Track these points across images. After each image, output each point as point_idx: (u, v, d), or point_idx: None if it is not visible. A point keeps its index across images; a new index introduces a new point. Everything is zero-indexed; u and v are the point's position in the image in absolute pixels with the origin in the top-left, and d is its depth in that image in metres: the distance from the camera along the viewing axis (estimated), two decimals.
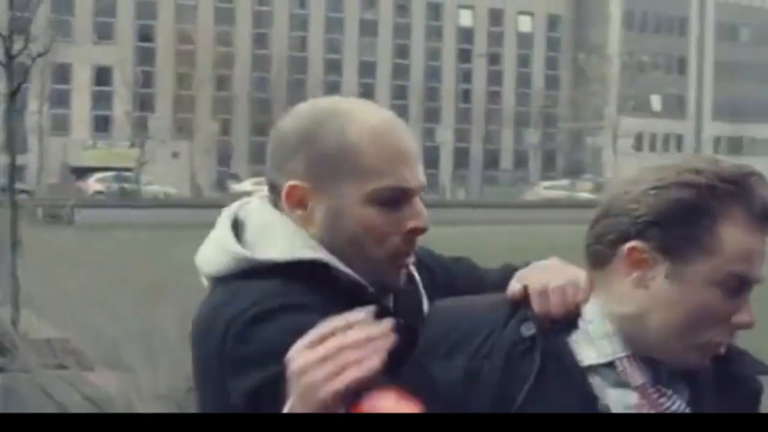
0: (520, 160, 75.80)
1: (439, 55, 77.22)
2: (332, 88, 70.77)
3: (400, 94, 73.51)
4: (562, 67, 78.33)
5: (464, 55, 76.93)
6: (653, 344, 1.29)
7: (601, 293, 1.31)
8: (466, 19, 78.11)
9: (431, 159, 73.11)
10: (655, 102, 79.49)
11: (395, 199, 1.37)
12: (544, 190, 54.24)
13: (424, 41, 76.78)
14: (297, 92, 63.19)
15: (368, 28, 75.09)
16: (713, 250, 1.25)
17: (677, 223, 1.27)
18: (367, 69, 74.43)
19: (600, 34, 77.70)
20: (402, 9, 76.39)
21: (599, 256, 1.31)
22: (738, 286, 1.27)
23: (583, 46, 74.57)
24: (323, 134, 1.36)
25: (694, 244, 1.26)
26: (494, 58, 76.69)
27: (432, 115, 73.91)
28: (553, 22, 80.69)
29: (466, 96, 75.99)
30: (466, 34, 77.92)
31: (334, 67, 72.74)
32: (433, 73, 76.02)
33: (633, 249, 1.27)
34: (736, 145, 77.41)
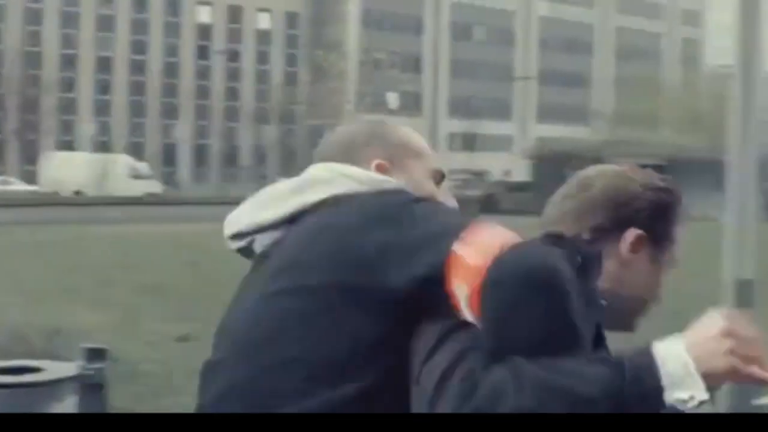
0: (260, 157, 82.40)
1: (177, 51, 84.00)
2: (68, 85, 79.10)
3: (137, 90, 79.79)
4: (301, 64, 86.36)
5: (203, 52, 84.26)
6: (621, 309, 1.79)
7: None
8: (204, 15, 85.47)
9: (169, 156, 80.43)
10: (392, 99, 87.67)
11: (439, 179, 1.98)
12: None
13: (162, 37, 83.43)
14: (31, 88, 71.21)
15: (105, 24, 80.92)
16: (674, 241, 1.86)
17: (665, 220, 1.85)
18: (103, 65, 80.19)
19: (338, 31, 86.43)
20: (140, 4, 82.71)
21: (589, 237, 1.81)
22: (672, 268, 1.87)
23: (322, 43, 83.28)
24: (388, 131, 1.99)
25: (669, 236, 1.86)
26: (233, 55, 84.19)
27: (170, 112, 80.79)
28: (291, 19, 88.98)
29: (204, 92, 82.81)
30: (204, 31, 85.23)
31: (69, 62, 78.15)
32: (171, 70, 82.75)
33: (639, 237, 1.81)
34: (469, 142, 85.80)
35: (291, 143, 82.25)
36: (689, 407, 1.54)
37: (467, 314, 1.55)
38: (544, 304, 1.49)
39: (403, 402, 1.64)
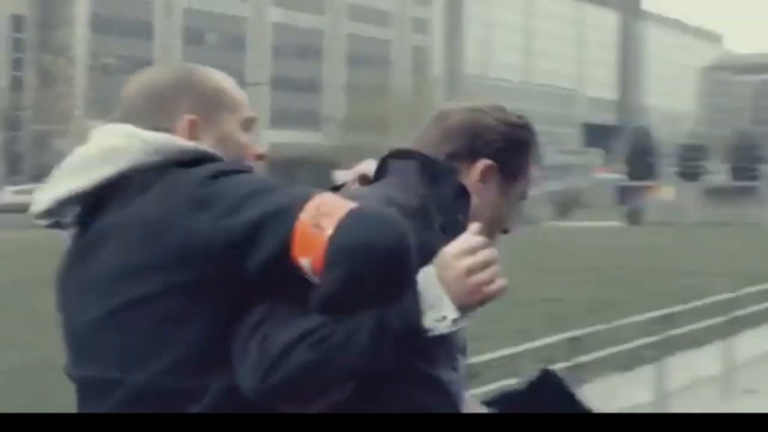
0: None
1: None
2: None
3: None
4: (28, 68, 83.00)
5: None
6: None
7: None
8: None
9: None
10: None
11: (251, 126, 1.94)
12: (13, 195, 55.35)
13: None
14: None
15: None
16: (525, 176, 2.01)
17: (516, 154, 1.99)
18: None
19: (66, 35, 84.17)
20: None
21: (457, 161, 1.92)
22: (521, 201, 1.99)
23: (49, 47, 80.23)
24: (198, 80, 1.88)
25: (520, 170, 2.00)
26: None
27: None
28: (17, 22, 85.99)
29: None
30: None
31: None
32: None
33: (488, 167, 1.94)
34: None
35: (17, 149, 79.68)
36: (443, 327, 1.63)
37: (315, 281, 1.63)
38: (382, 275, 1.59)
39: None
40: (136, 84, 1.97)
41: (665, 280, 17.16)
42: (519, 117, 2.05)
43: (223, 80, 1.98)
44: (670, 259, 21.72)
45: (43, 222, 1.89)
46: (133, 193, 1.78)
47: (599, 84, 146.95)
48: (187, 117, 1.90)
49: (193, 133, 1.89)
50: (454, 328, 1.66)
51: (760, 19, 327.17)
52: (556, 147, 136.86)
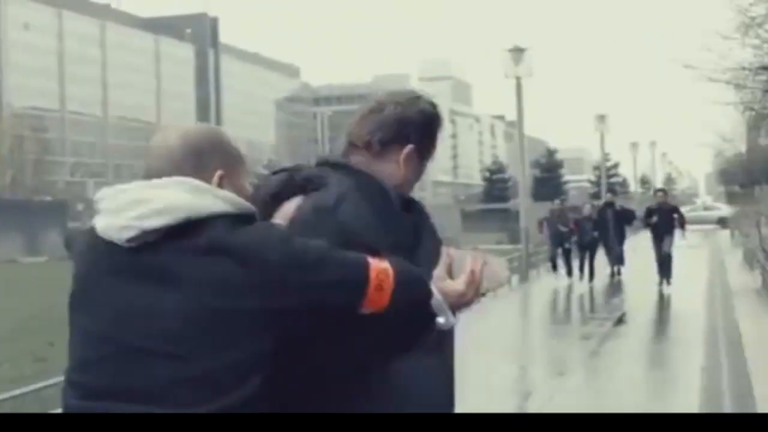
0: None
1: None
2: None
3: None
4: None
5: None
6: (399, 194, 2.54)
7: (375, 172, 2.52)
8: None
9: None
10: None
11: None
12: None
13: None
14: None
15: None
16: (434, 149, 2.65)
17: (429, 135, 2.63)
18: None
19: None
20: None
21: (379, 148, 2.56)
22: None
23: None
24: (226, 140, 2.40)
25: (430, 149, 2.65)
26: None
27: None
28: None
29: None
30: None
31: None
32: None
33: (412, 149, 2.58)
34: None
35: None
36: (446, 325, 2.38)
37: None
38: (417, 305, 2.39)
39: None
40: (176, 140, 2.33)
41: None
42: (432, 104, 2.69)
43: (233, 140, 2.45)
44: None
45: (126, 243, 2.19)
46: (211, 232, 2.17)
47: (180, 117, 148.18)
48: (219, 172, 2.32)
49: (221, 185, 2.30)
50: (452, 325, 2.42)
51: (334, 52, 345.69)
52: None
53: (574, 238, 22.77)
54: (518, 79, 24.17)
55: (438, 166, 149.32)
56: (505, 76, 24.16)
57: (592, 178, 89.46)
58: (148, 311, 2.15)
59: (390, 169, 2.59)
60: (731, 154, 56.20)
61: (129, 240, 2.19)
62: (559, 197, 26.49)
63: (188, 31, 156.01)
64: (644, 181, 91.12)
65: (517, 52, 24.00)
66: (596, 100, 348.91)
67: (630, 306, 18.69)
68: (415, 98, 2.67)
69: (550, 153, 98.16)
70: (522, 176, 25.47)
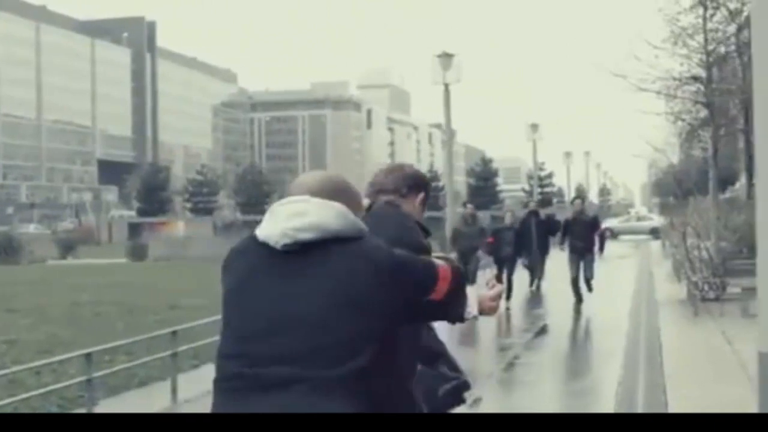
0: None
1: None
2: None
3: None
4: None
5: None
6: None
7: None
8: None
9: None
10: None
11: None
12: None
13: None
14: None
15: None
16: (428, 197, 4.09)
17: (429, 189, 4.17)
18: None
19: None
20: None
21: (406, 192, 4.00)
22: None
23: None
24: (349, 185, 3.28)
25: (428, 198, 4.08)
26: None
27: None
28: None
29: None
30: None
31: None
32: None
33: (423, 196, 4.06)
34: None
35: None
36: (469, 314, 3.16)
37: None
38: (463, 292, 3.23)
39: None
40: (314, 180, 3.16)
41: (138, 315, 17.59)
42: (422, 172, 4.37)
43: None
44: (151, 293, 22.23)
45: (282, 247, 2.93)
46: (348, 244, 2.97)
47: (115, 121, 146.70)
48: (366, 201, 3.54)
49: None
50: (475, 318, 3.24)
51: (272, 58, 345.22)
52: (72, 185, 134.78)
53: (480, 253, 20.23)
54: (446, 85, 23.88)
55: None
56: (434, 82, 23.87)
57: (527, 187, 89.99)
58: (298, 296, 2.87)
59: (410, 207, 4.00)
60: (664, 165, 56.54)
61: (284, 246, 2.93)
62: (466, 203, 23.37)
63: (125, 34, 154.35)
64: (579, 191, 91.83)
65: (446, 57, 23.71)
66: (531, 108, 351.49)
67: (552, 317, 18.39)
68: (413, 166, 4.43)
69: (485, 162, 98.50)
70: (449, 184, 25.10)
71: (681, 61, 25.49)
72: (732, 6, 24.96)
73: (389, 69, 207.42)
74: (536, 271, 21.56)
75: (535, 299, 21.45)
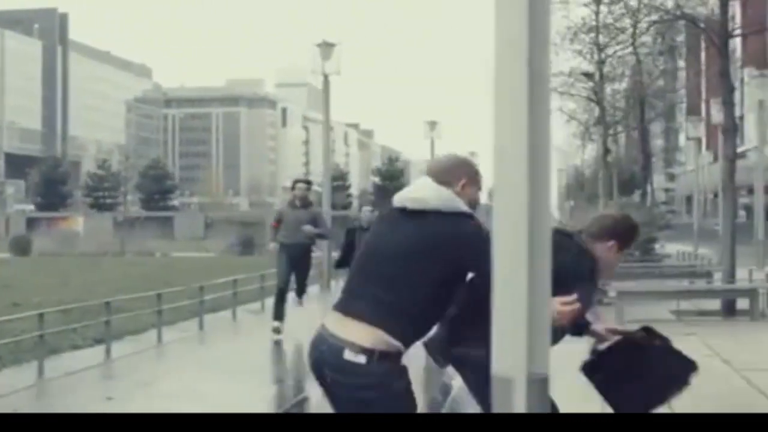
0: None
1: None
2: None
3: None
4: None
5: None
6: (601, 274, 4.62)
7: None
8: None
9: None
10: None
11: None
12: None
13: None
14: None
15: None
16: (628, 249, 4.77)
17: (630, 240, 4.71)
18: None
19: None
20: None
21: (597, 239, 4.57)
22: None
23: None
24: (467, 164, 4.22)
25: (627, 246, 4.71)
26: None
27: None
28: None
29: None
30: None
31: None
32: None
33: (615, 243, 4.59)
34: None
35: None
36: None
37: None
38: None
39: None
40: (438, 161, 4.32)
41: None
42: (634, 219, 4.94)
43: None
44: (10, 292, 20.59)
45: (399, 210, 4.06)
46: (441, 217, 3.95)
47: (23, 113, 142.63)
48: (462, 181, 4.09)
49: (463, 191, 4.08)
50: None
51: (187, 55, 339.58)
52: None
53: (315, 254, 16.30)
54: (326, 76, 22.51)
55: (289, 173, 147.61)
56: (312, 72, 22.50)
57: None
58: (397, 247, 3.91)
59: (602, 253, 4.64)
60: (566, 167, 55.76)
61: (401, 209, 4.01)
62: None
63: (36, 26, 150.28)
64: (491, 193, 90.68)
65: (326, 47, 22.34)
66: (431, 105, 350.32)
67: None
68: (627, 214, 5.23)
69: (391, 161, 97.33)
70: (326, 181, 23.62)
71: (573, 56, 24.51)
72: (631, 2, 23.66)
73: (307, 67, 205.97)
74: None
75: None
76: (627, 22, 24.46)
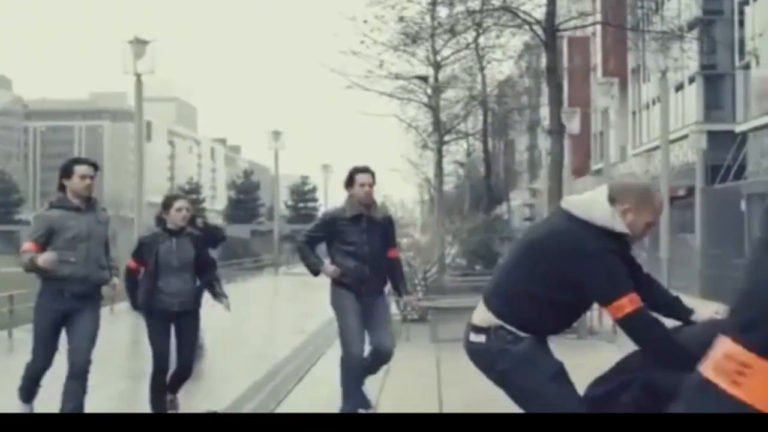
0: None
1: None
2: None
3: None
4: None
5: None
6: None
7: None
8: None
9: None
10: None
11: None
12: None
13: None
14: None
15: None
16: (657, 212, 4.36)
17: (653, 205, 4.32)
18: None
19: None
20: None
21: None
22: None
23: None
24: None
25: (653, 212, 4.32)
26: None
27: None
28: None
29: None
30: None
31: None
32: None
33: (627, 207, 4.23)
34: None
35: None
36: None
37: None
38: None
39: None
40: (620, 180, 4.64)
41: None
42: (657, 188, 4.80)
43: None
44: None
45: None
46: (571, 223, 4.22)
47: None
48: (625, 207, 4.20)
49: (624, 216, 4.23)
50: None
51: (49, 66, 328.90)
52: None
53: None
54: (138, 75, 20.43)
55: (153, 188, 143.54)
56: (125, 71, 20.40)
57: (290, 201, 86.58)
58: (528, 245, 4.27)
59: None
60: (421, 180, 54.14)
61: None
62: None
63: None
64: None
65: (139, 44, 20.26)
66: (277, 115, 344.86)
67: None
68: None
69: (247, 174, 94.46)
70: (138, 191, 21.43)
71: (407, 59, 22.95)
72: (473, 4, 21.94)
73: (175, 81, 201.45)
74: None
75: None
76: (467, 24, 22.81)
